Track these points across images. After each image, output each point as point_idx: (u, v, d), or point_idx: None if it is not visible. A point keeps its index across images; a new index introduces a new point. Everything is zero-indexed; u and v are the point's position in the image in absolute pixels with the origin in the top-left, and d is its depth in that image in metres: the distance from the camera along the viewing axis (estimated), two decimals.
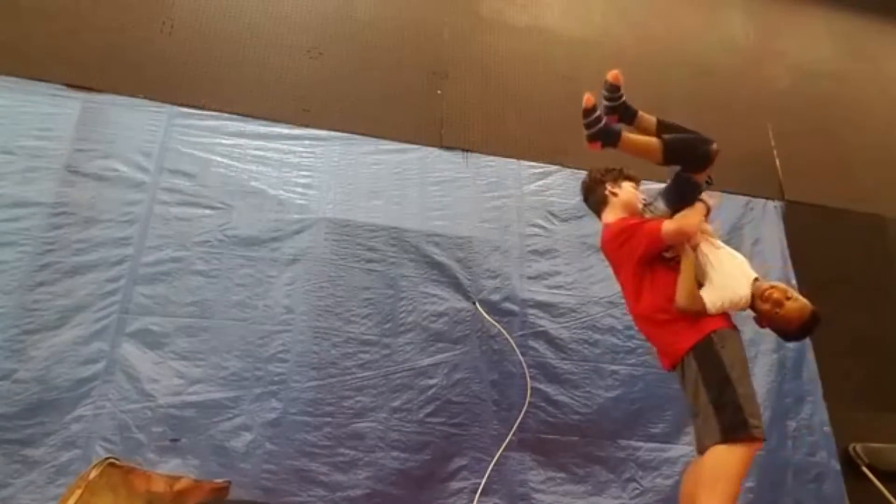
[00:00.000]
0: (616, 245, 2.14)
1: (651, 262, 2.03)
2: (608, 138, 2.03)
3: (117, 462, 2.00)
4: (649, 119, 2.14)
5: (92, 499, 1.87)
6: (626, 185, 2.27)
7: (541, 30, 3.72)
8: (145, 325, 2.46)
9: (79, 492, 1.86)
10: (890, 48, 4.63)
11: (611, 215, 2.23)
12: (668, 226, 1.97)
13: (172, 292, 2.54)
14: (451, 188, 3.10)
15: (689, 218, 2.00)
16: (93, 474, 1.92)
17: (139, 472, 2.06)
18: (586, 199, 2.39)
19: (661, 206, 2.11)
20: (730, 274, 2.00)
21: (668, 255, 2.05)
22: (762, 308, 1.97)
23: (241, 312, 2.58)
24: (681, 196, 2.04)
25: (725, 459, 1.73)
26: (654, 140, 2.02)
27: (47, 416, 2.24)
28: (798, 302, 1.98)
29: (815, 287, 3.38)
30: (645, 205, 2.23)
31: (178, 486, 2.08)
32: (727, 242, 3.27)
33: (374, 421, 2.54)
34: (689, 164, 2.00)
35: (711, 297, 1.92)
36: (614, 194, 2.24)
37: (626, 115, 2.14)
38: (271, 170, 2.88)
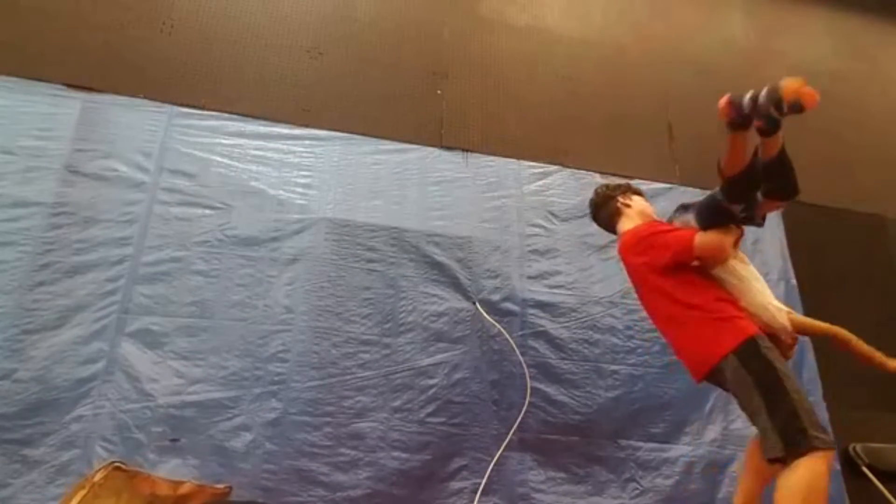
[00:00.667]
0: (637, 251, 2.03)
1: (677, 269, 1.93)
2: (743, 122, 1.74)
3: (123, 466, 2.01)
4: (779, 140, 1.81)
5: (95, 501, 1.87)
6: (637, 198, 2.24)
7: (541, 30, 3.72)
8: (145, 325, 2.46)
9: (82, 492, 1.87)
10: (890, 48, 4.64)
11: (629, 224, 2.17)
12: (704, 238, 1.85)
13: (172, 292, 2.53)
14: (451, 188, 3.10)
15: (725, 236, 1.87)
16: (97, 477, 1.93)
17: (143, 475, 2.07)
18: (596, 216, 2.34)
19: (690, 219, 2.01)
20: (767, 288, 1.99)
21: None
22: (788, 342, 1.96)
23: (241, 312, 2.58)
24: (711, 218, 1.91)
25: (797, 481, 1.56)
26: (748, 158, 1.81)
27: (47, 415, 2.24)
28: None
29: (815, 287, 3.40)
30: (676, 210, 2.13)
31: (182, 490, 2.09)
32: None
33: (375, 421, 2.53)
34: (732, 194, 1.85)
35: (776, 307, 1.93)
36: (627, 205, 2.20)
37: (771, 130, 1.78)
38: (271, 170, 2.88)
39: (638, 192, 2.28)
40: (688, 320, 1.90)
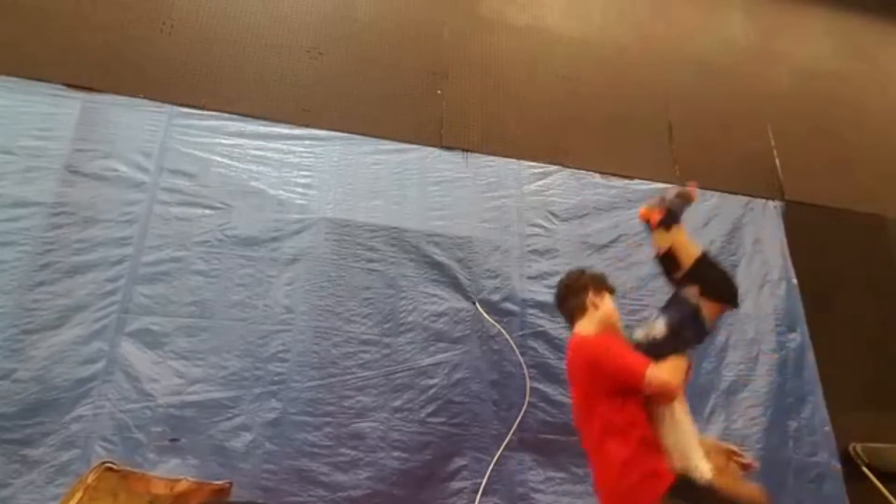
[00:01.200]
0: (587, 366, 1.90)
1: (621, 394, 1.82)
2: (673, 219, 1.99)
3: (114, 466, 2.00)
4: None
5: (91, 503, 1.87)
6: (608, 298, 2.09)
7: (541, 30, 3.72)
8: (145, 325, 2.46)
9: (78, 495, 1.86)
10: (890, 48, 4.64)
11: (588, 327, 2.01)
12: (656, 374, 1.76)
13: (172, 292, 2.54)
14: (451, 188, 3.10)
15: (677, 374, 1.80)
16: (90, 478, 1.92)
17: (137, 474, 2.06)
18: (562, 303, 2.15)
19: (659, 325, 1.91)
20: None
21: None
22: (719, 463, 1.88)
23: (241, 312, 2.58)
24: (684, 327, 1.86)
25: None
26: (695, 251, 1.93)
27: (47, 415, 2.24)
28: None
29: (815, 287, 3.40)
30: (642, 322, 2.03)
31: (179, 487, 2.08)
32: (728, 243, 3.33)
33: (375, 421, 2.53)
34: (714, 287, 1.88)
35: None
36: (595, 306, 2.04)
37: (670, 222, 2.01)
38: (271, 170, 2.88)
39: (612, 290, 2.14)
40: (611, 454, 1.80)
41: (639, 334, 1.94)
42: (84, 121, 2.71)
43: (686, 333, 1.87)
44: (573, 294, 2.12)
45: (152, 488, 2.02)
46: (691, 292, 1.91)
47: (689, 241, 1.99)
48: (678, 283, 1.98)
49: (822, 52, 4.39)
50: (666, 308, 1.95)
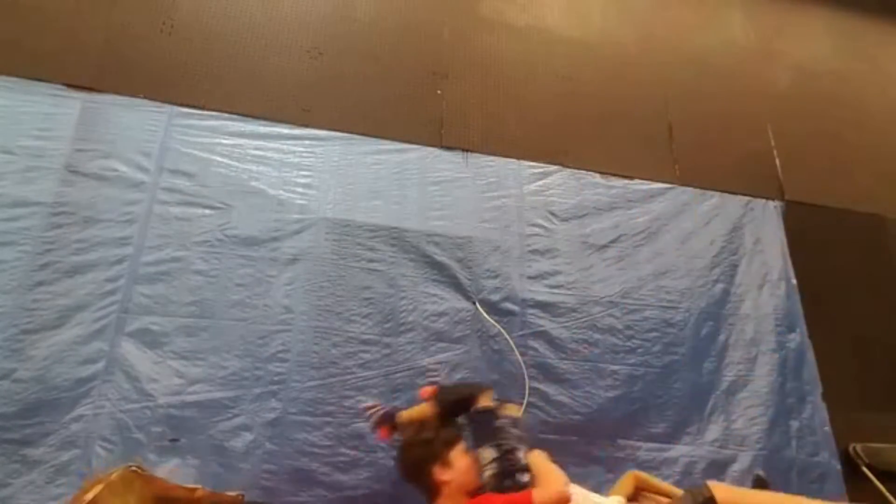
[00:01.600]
0: None
1: None
2: (387, 420, 2.15)
3: (139, 470, 2.01)
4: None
5: (110, 497, 1.87)
6: (457, 455, 1.83)
7: (541, 30, 3.72)
8: (145, 325, 2.46)
9: (99, 486, 1.87)
10: (890, 48, 4.64)
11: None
12: (543, 495, 1.64)
13: (172, 292, 2.53)
14: (451, 188, 3.09)
15: (557, 473, 1.72)
16: (114, 475, 1.93)
17: (159, 480, 2.08)
18: (407, 478, 1.88)
19: (486, 452, 1.87)
20: None
21: None
22: None
23: (240, 312, 2.58)
24: (489, 427, 1.89)
25: None
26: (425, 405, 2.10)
27: (47, 415, 2.24)
28: None
29: (815, 287, 3.40)
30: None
31: (197, 494, 2.10)
32: (728, 243, 3.33)
33: None
34: (467, 400, 2.00)
35: None
36: (446, 483, 1.76)
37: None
38: (271, 170, 2.88)
39: (457, 439, 1.89)
40: None
41: (486, 474, 1.84)
42: (84, 121, 2.71)
43: (508, 433, 1.90)
44: (416, 472, 1.83)
45: (171, 493, 2.04)
46: (467, 413, 2.02)
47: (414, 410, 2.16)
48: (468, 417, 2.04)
49: (822, 52, 4.39)
50: (476, 441, 1.94)
